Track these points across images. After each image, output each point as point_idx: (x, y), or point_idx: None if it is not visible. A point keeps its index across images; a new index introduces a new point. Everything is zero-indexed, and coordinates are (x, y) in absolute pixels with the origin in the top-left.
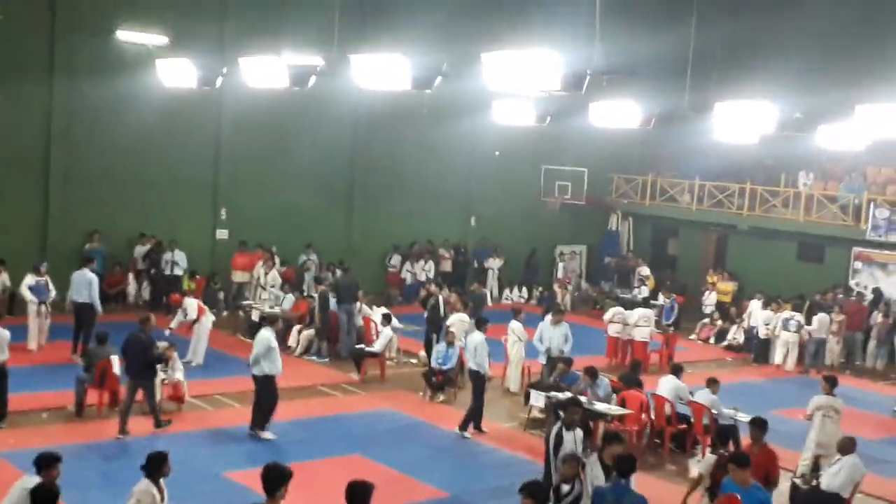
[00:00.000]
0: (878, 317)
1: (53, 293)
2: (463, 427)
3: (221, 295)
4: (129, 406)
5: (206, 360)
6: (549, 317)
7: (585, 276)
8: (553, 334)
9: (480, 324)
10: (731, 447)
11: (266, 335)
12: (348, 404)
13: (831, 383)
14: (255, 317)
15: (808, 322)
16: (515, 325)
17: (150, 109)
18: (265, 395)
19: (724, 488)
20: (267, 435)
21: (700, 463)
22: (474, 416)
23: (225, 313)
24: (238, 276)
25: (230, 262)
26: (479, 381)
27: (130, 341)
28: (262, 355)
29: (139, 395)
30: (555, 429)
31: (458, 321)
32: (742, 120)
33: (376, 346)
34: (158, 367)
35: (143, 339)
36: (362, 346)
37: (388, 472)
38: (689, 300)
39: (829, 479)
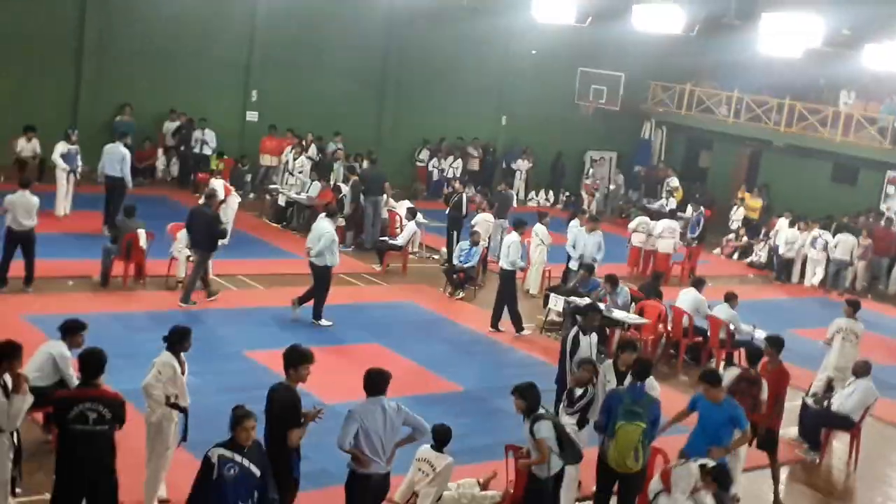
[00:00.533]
0: None
1: (81, 162)
2: (519, 328)
3: (249, 177)
4: (197, 276)
5: (231, 241)
6: (575, 222)
7: (612, 182)
8: (588, 241)
9: (518, 225)
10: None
11: (328, 227)
12: (370, 294)
13: (854, 306)
14: (281, 201)
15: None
16: (539, 229)
17: None
18: (321, 285)
19: (694, 403)
20: (324, 322)
21: (726, 375)
22: (499, 314)
23: (251, 196)
24: (266, 160)
25: (259, 144)
26: (508, 279)
27: (195, 215)
28: (325, 248)
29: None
30: (571, 333)
31: (482, 221)
32: (788, 33)
33: (400, 240)
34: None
35: (209, 214)
36: (386, 238)
37: (405, 363)
38: (717, 214)
39: (842, 401)
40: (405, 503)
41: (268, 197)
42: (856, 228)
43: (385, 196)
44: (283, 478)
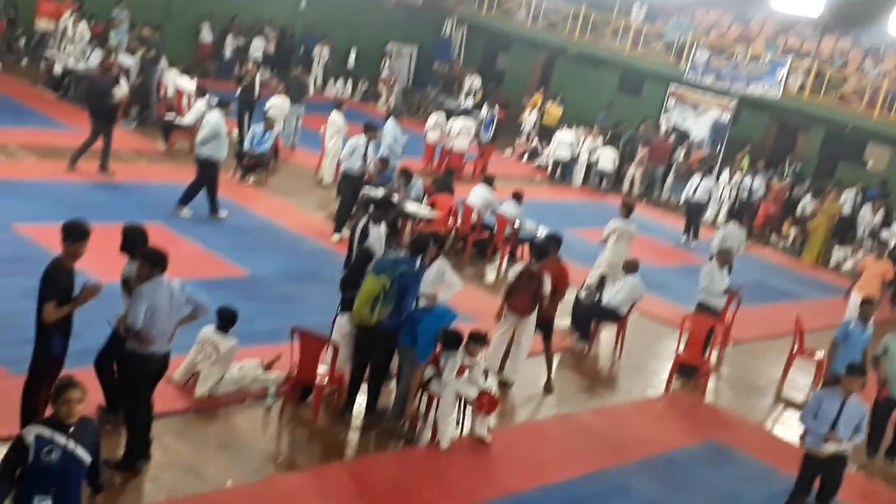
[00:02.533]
0: (680, 155)
1: None
2: (337, 230)
3: (22, 42)
4: (87, 147)
5: (2, 107)
6: (392, 122)
7: (413, 80)
8: (403, 138)
9: (368, 129)
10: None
11: (217, 119)
12: (153, 173)
13: (628, 209)
14: (58, 69)
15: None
16: (336, 118)
17: None
18: (208, 180)
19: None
20: (222, 214)
21: (511, 270)
22: (343, 219)
23: (25, 62)
24: (42, 24)
25: (35, 7)
26: (348, 183)
27: (91, 87)
28: (209, 138)
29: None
30: (362, 223)
31: (277, 105)
32: None
33: (187, 119)
34: None
35: (103, 85)
36: (173, 116)
37: (189, 245)
38: (510, 117)
39: (611, 296)
40: (185, 383)
41: (43, 64)
42: (620, 135)
43: (165, 69)
44: (40, 354)
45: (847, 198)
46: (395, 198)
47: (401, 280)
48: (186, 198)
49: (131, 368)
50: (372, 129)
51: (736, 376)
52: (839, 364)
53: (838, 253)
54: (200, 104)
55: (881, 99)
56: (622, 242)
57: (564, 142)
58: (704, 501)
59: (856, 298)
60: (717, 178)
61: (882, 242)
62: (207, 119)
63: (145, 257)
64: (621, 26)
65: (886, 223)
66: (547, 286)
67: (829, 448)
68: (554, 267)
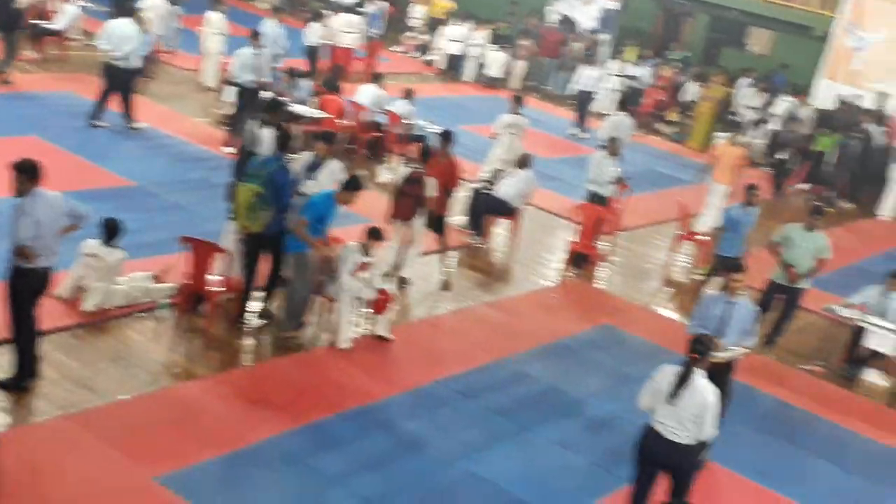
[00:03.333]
0: (569, 46)
1: None
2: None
3: None
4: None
5: None
6: (273, 21)
7: None
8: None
9: (254, 36)
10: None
11: (134, 28)
12: (25, 83)
13: (518, 102)
14: None
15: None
16: (214, 17)
17: None
18: (129, 88)
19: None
20: (140, 125)
21: (394, 171)
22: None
23: None
24: None
25: None
26: (241, 94)
27: None
28: (137, 51)
29: None
30: (252, 127)
31: (153, 6)
32: None
33: (58, 24)
34: None
35: None
36: (41, 21)
37: (70, 158)
38: (398, 12)
39: (505, 189)
40: (71, 298)
41: None
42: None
43: None
44: None
45: (741, 87)
46: (283, 100)
47: (272, 179)
48: (129, 113)
49: (14, 284)
50: (257, 36)
51: (625, 262)
52: (725, 246)
53: (721, 138)
54: (71, 8)
55: None
56: (514, 137)
57: (454, 37)
58: (597, 382)
59: (717, 188)
60: (605, 68)
61: (736, 125)
62: (124, 30)
63: (20, 170)
64: None
65: (766, 108)
66: (430, 189)
67: (719, 355)
68: (444, 165)
